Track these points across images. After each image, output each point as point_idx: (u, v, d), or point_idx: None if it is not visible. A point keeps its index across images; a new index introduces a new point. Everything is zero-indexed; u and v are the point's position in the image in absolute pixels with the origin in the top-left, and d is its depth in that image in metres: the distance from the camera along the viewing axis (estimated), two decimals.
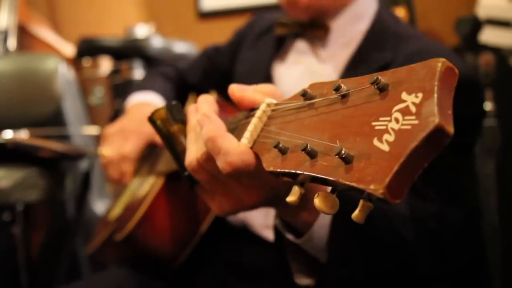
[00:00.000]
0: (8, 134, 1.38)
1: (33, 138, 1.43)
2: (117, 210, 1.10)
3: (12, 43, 2.33)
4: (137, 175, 1.12)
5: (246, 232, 1.05)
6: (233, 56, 1.22)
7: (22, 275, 1.59)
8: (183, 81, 1.30)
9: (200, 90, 1.06)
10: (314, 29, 1.02)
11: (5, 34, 2.34)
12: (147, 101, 1.18)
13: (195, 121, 0.63)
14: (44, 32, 2.61)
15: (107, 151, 1.07)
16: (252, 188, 0.61)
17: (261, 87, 0.63)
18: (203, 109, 0.61)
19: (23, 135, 1.42)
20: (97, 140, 2.07)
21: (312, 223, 0.66)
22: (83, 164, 1.74)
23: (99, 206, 1.95)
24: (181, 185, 0.89)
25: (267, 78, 1.06)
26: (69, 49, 2.62)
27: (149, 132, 1.05)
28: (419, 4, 2.24)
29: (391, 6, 2.04)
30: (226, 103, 0.93)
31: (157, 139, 1.03)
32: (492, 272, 1.43)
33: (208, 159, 0.60)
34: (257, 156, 0.55)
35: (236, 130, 0.59)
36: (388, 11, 1.06)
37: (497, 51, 1.52)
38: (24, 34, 2.50)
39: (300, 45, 1.06)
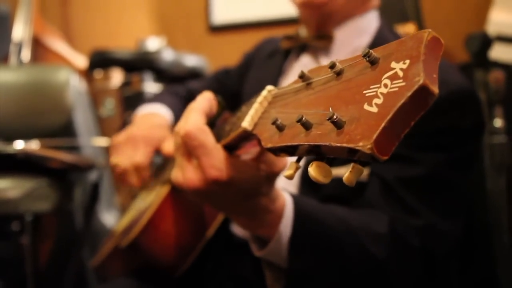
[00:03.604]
0: (19, 144, 1.40)
1: (43, 149, 1.44)
2: (123, 223, 1.11)
3: (26, 54, 2.37)
4: (146, 190, 1.13)
5: (249, 246, 1.05)
6: (242, 77, 1.28)
7: (29, 285, 1.59)
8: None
9: None
10: (319, 39, 1.07)
11: (20, 46, 2.38)
12: (154, 112, 1.20)
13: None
14: (58, 44, 2.65)
15: (118, 159, 1.06)
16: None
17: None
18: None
19: (34, 145, 1.43)
20: (107, 151, 2.09)
21: (272, 236, 0.68)
22: (92, 175, 1.75)
23: (107, 217, 1.96)
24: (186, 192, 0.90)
25: None
26: (82, 61, 2.66)
27: (157, 138, 1.07)
28: (429, 21, 2.24)
29: (402, 22, 2.04)
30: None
31: (165, 145, 1.04)
32: None
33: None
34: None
35: (240, 120, 0.61)
36: (389, 28, 1.10)
37: (508, 68, 1.51)
38: (38, 46, 2.54)
39: (305, 60, 1.10)
